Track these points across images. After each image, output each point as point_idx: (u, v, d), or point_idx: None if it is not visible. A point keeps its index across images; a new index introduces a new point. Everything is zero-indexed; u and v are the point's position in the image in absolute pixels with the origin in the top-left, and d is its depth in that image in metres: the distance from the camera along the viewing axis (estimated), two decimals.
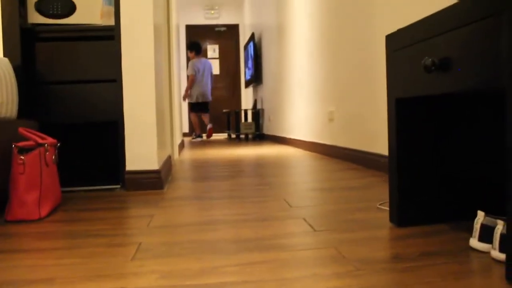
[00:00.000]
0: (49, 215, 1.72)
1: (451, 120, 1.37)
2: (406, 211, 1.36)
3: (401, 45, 1.29)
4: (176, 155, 4.20)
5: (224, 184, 2.38)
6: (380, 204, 1.71)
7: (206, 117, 7.77)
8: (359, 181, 2.33)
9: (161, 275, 1.01)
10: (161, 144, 2.52)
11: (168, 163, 2.78)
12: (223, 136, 9.28)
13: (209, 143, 6.56)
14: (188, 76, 7.55)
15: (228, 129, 8.22)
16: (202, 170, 3.10)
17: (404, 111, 1.35)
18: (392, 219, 1.40)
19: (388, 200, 1.79)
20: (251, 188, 2.24)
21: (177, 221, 1.55)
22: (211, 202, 1.88)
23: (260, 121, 7.72)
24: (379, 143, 2.81)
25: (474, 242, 1.12)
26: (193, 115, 7.67)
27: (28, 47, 2.28)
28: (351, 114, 3.31)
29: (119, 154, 2.34)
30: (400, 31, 1.29)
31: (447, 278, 0.93)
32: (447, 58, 1.07)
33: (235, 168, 3.19)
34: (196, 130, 7.71)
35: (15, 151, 1.65)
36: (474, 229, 1.13)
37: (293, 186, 2.24)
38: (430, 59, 1.10)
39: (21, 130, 1.73)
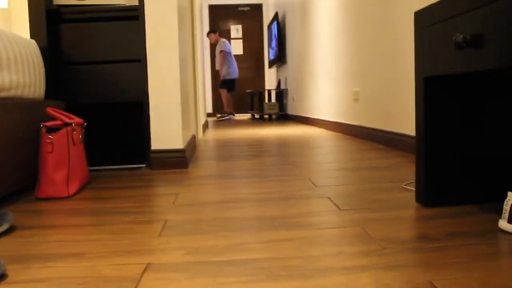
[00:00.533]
0: (77, 193, 1.75)
1: (479, 99, 1.33)
2: (433, 191, 1.34)
3: (430, 21, 1.25)
4: (200, 135, 4.22)
5: (247, 163, 2.39)
6: (406, 184, 1.69)
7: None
8: (384, 161, 2.31)
9: (187, 251, 1.02)
10: (185, 123, 2.54)
11: (192, 143, 2.79)
12: (246, 116, 9.28)
13: (232, 123, 6.57)
14: (220, 52, 7.68)
15: (252, 109, 8.22)
16: (226, 150, 3.11)
17: (432, 90, 1.32)
18: (418, 199, 1.38)
19: (414, 181, 1.77)
20: (275, 167, 2.23)
21: (202, 199, 1.56)
22: (235, 181, 1.88)
23: (284, 101, 7.68)
24: (404, 123, 2.77)
25: (503, 223, 1.10)
26: (224, 92, 7.74)
27: (54, 28, 2.31)
28: (376, 94, 3.26)
29: (144, 134, 2.37)
30: (430, 7, 1.25)
31: (476, 259, 0.91)
32: (479, 34, 1.04)
33: (258, 147, 3.19)
34: (227, 107, 7.78)
35: (43, 130, 1.68)
36: (504, 210, 1.11)
37: (318, 166, 2.23)
38: (461, 36, 1.07)
39: (49, 110, 1.76)
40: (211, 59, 9.96)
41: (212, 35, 7.77)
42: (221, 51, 7.66)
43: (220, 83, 7.84)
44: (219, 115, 8.01)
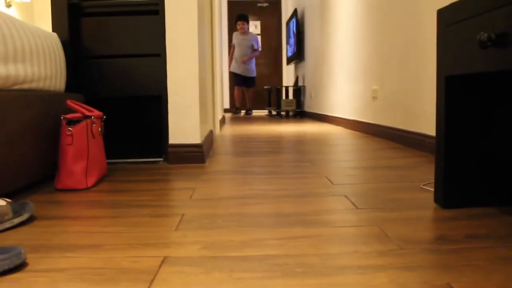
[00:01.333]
0: (95, 185, 1.77)
1: (501, 98, 1.31)
2: (452, 192, 1.33)
3: (454, 19, 1.23)
4: (217, 130, 4.23)
5: (264, 160, 2.39)
6: (424, 185, 1.67)
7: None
8: (402, 161, 2.29)
9: (203, 245, 1.02)
10: (203, 118, 2.55)
11: (209, 138, 2.80)
12: (263, 112, 9.28)
13: (249, 120, 6.57)
14: (256, 51, 7.70)
15: (269, 105, 8.19)
16: (243, 145, 3.12)
17: (453, 89, 1.30)
18: (437, 200, 1.36)
19: (432, 181, 1.75)
20: (292, 164, 2.23)
21: (219, 194, 1.56)
22: (252, 177, 1.88)
23: (301, 98, 7.65)
24: (423, 122, 2.74)
25: None
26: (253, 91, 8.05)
27: (75, 22, 2.33)
28: (395, 93, 3.23)
29: (162, 128, 2.38)
30: (453, 5, 1.23)
31: (495, 262, 0.90)
32: (505, 33, 1.02)
33: (275, 144, 3.19)
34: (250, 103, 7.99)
35: (64, 122, 1.70)
36: None
37: (335, 164, 2.22)
38: (486, 34, 1.05)
39: (69, 102, 1.78)
40: (230, 55, 9.98)
41: (243, 23, 7.58)
42: (257, 50, 7.65)
43: (248, 80, 7.76)
44: (236, 110, 8.01)
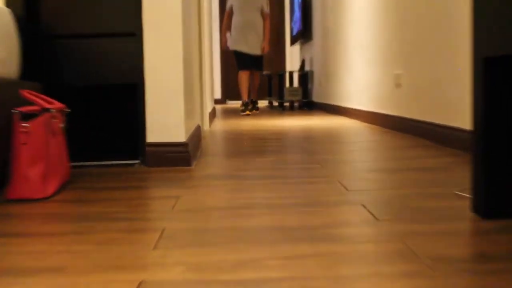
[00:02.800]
0: (56, 193, 1.76)
1: None
2: (493, 200, 1.32)
3: None
4: (206, 126, 4.23)
5: (264, 161, 2.39)
6: (459, 191, 1.67)
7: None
8: (433, 161, 2.29)
9: (188, 267, 1.02)
10: (188, 112, 2.54)
11: (197, 135, 2.80)
12: (263, 103, 9.28)
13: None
14: (267, 15, 6.45)
15: (269, 95, 8.20)
16: (238, 144, 3.12)
17: (494, 74, 1.29)
18: (475, 209, 1.36)
19: (469, 186, 1.75)
20: (297, 166, 2.23)
21: (208, 204, 1.56)
22: (249, 183, 1.88)
23: (309, 86, 7.66)
24: (459, 114, 2.74)
25: None
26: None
27: None
28: (424, 78, 3.23)
29: (138, 124, 2.37)
30: None
31: None
32: None
33: (277, 142, 3.19)
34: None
35: (17, 117, 1.69)
36: None
37: (350, 166, 2.22)
38: None
39: (24, 92, 1.77)
40: (221, 35, 9.98)
41: None
42: (267, 16, 6.43)
43: (259, 61, 6.49)
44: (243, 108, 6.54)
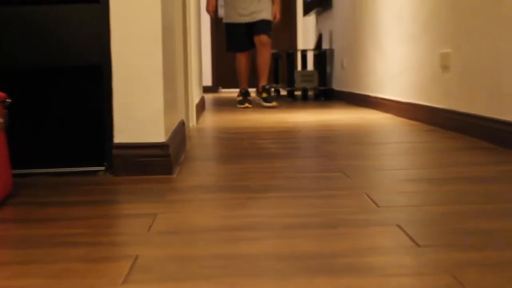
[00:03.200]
0: None
1: None
2: None
3: None
4: (192, 121, 4.22)
5: (269, 168, 2.39)
6: None
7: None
8: (491, 169, 2.29)
9: None
10: (169, 103, 2.53)
11: (180, 134, 2.79)
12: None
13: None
14: None
15: (276, 81, 8.21)
16: (233, 145, 3.13)
17: None
18: None
19: None
20: (313, 175, 2.23)
21: (194, 224, 1.56)
22: (249, 196, 1.88)
23: (327, 69, 7.66)
24: None
25: None
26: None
27: None
28: (481, 59, 3.22)
29: (103, 119, 2.36)
30: None
31: None
32: None
33: (286, 143, 3.20)
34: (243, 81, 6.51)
35: None
36: None
37: (381, 174, 2.22)
38: None
39: None
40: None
41: None
42: None
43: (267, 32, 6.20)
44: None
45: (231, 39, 6.27)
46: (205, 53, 10.04)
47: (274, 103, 6.11)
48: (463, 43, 3.44)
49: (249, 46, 6.25)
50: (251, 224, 1.55)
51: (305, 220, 1.57)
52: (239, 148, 3.02)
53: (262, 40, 6.09)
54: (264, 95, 6.20)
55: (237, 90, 6.57)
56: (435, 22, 3.89)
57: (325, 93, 7.44)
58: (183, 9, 3.74)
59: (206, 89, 9.98)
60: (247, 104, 6.17)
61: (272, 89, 6.52)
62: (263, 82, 6.27)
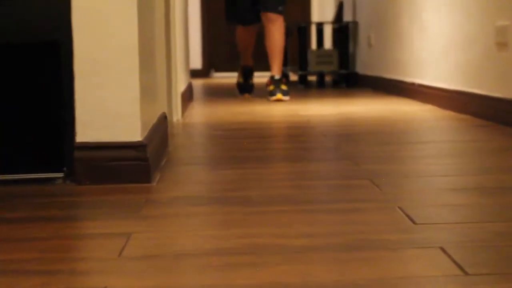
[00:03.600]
0: None
1: None
2: None
3: None
4: (177, 115, 4.21)
5: (274, 174, 2.40)
6: None
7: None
8: None
9: None
10: (147, 91, 2.53)
11: (161, 131, 2.78)
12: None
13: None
14: None
15: (285, 64, 8.19)
16: (229, 145, 3.14)
17: None
18: None
19: None
20: (331, 183, 2.24)
21: (177, 246, 1.56)
22: (247, 211, 1.88)
23: (350, 48, 7.65)
24: None
25: None
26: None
27: None
28: None
29: (62, 112, 2.36)
30: None
31: None
32: None
33: (297, 142, 3.21)
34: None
35: None
36: None
37: (419, 182, 2.22)
38: None
39: None
40: None
41: None
42: None
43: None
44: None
45: (232, 6, 6.11)
46: (193, 27, 10.03)
47: (279, 96, 5.67)
48: None
49: (255, 19, 6.00)
50: (251, 247, 1.54)
51: (320, 241, 1.57)
52: (236, 149, 3.01)
53: (270, 17, 5.89)
54: (271, 88, 5.80)
55: (236, 74, 6.30)
56: None
57: (347, 78, 7.43)
58: None
59: (194, 74, 9.95)
60: (244, 95, 6.14)
61: (281, 79, 5.99)
62: (272, 71, 5.92)
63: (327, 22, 7.82)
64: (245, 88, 6.13)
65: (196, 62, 10.13)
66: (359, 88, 6.97)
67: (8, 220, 1.83)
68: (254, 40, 6.19)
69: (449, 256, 1.43)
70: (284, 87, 5.74)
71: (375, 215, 1.80)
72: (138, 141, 2.30)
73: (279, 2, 5.86)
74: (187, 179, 2.35)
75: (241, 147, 3.06)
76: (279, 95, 5.57)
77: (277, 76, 5.83)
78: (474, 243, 1.53)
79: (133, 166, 2.28)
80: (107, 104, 2.29)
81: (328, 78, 8.00)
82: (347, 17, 7.90)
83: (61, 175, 2.37)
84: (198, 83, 8.75)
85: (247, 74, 6.17)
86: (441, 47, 4.72)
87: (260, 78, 6.74)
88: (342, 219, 1.77)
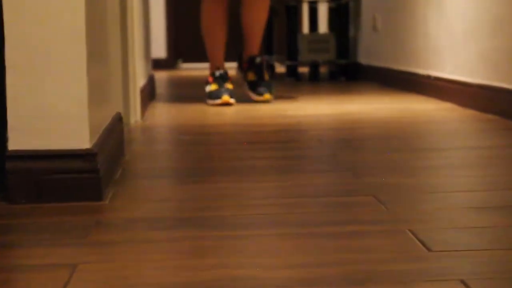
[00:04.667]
0: None
1: None
2: None
3: None
4: (135, 115, 4.20)
5: (256, 189, 2.41)
6: None
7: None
8: None
9: None
10: (97, 87, 2.53)
11: (115, 136, 2.78)
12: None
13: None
14: None
15: (268, 51, 8.20)
16: (200, 154, 3.15)
17: None
18: None
19: None
20: (327, 200, 2.24)
21: (134, 281, 1.55)
22: (222, 235, 1.88)
23: (351, 32, 7.68)
24: None
25: None
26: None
27: None
28: None
29: None
30: None
31: None
32: None
33: (285, 149, 3.22)
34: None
35: None
36: None
37: (434, 199, 2.24)
38: None
39: None
40: None
41: None
42: None
43: None
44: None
45: None
46: (156, 9, 10.04)
47: (267, 96, 5.39)
48: None
49: None
50: (227, 282, 1.53)
51: (315, 273, 1.56)
52: (209, 159, 3.02)
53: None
54: (251, 76, 5.54)
55: (207, 66, 6.08)
56: None
57: (347, 70, 7.47)
58: None
59: (158, 64, 9.95)
60: (226, 98, 5.19)
61: (263, 64, 5.60)
62: (251, 49, 5.69)
63: (322, 0, 7.84)
64: (220, 95, 5.28)
65: (160, 50, 10.14)
66: (361, 82, 7.01)
67: None
68: (226, 22, 5.69)
69: None
70: (229, 85, 5.42)
71: (380, 240, 1.81)
72: (86, 149, 2.29)
73: None
74: (147, 195, 2.35)
75: (214, 156, 3.06)
76: (225, 97, 5.17)
77: (258, 58, 5.59)
78: (502, 275, 1.53)
79: (79, 180, 2.28)
80: (46, 103, 2.28)
81: (323, 70, 8.03)
82: None
83: None
84: (162, 76, 8.77)
85: (220, 80, 5.47)
86: (463, 32, 4.74)
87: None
88: (340, 245, 1.77)
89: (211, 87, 5.33)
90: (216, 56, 5.65)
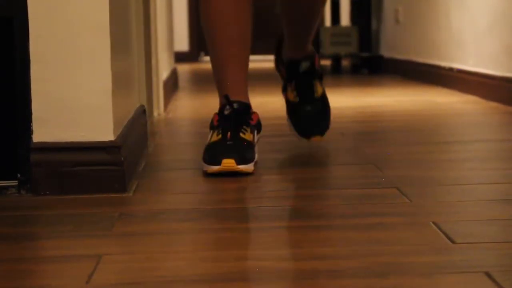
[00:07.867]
0: None
1: None
2: None
3: None
4: (158, 108, 4.20)
5: (279, 181, 2.42)
6: None
7: None
8: None
9: None
10: (121, 79, 2.53)
11: (138, 128, 2.78)
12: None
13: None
14: None
15: None
16: None
17: None
18: None
19: None
20: (350, 192, 2.24)
21: (159, 271, 1.54)
22: (246, 227, 1.89)
23: (373, 25, 7.64)
24: None
25: None
26: None
27: None
28: None
29: (15, 104, 2.36)
30: None
31: None
32: None
33: (305, 141, 3.16)
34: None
35: None
36: None
37: (458, 192, 2.23)
38: None
39: None
40: None
41: None
42: None
43: None
44: None
45: None
46: (178, 1, 10.03)
47: (316, 138, 2.99)
48: None
49: None
50: (251, 272, 1.54)
51: (336, 265, 1.56)
52: None
53: None
54: (292, 96, 3.19)
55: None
56: None
57: (370, 62, 7.43)
58: None
59: (180, 57, 9.95)
60: (228, 163, 2.44)
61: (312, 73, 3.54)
62: (295, 49, 3.20)
63: None
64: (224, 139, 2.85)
65: (182, 43, 10.14)
66: (384, 75, 6.97)
67: None
68: (248, 16, 2.88)
69: (496, 282, 1.41)
70: (247, 135, 2.67)
71: (404, 232, 1.80)
72: (110, 141, 2.29)
73: None
74: (171, 188, 2.35)
75: None
76: (227, 162, 2.45)
77: (304, 64, 3.18)
78: None
79: (104, 172, 2.28)
80: (70, 96, 2.28)
81: (345, 63, 8.00)
82: None
83: (15, 184, 2.37)
84: (184, 68, 8.75)
85: (229, 122, 2.91)
86: (487, 24, 4.71)
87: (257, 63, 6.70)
88: (364, 237, 1.76)
89: (210, 137, 2.69)
90: (227, 77, 2.93)
